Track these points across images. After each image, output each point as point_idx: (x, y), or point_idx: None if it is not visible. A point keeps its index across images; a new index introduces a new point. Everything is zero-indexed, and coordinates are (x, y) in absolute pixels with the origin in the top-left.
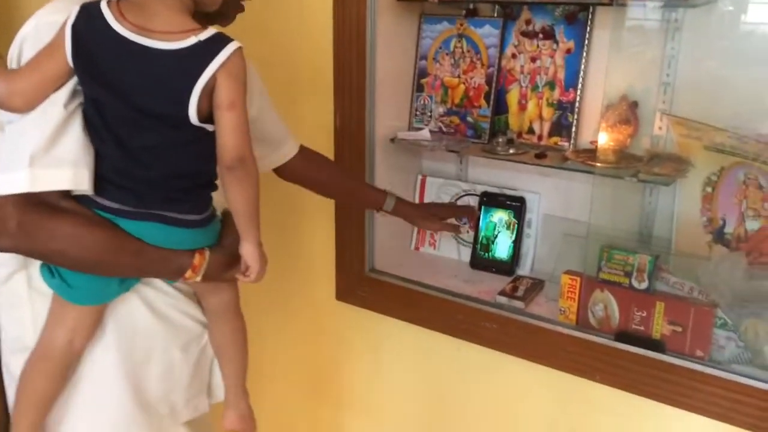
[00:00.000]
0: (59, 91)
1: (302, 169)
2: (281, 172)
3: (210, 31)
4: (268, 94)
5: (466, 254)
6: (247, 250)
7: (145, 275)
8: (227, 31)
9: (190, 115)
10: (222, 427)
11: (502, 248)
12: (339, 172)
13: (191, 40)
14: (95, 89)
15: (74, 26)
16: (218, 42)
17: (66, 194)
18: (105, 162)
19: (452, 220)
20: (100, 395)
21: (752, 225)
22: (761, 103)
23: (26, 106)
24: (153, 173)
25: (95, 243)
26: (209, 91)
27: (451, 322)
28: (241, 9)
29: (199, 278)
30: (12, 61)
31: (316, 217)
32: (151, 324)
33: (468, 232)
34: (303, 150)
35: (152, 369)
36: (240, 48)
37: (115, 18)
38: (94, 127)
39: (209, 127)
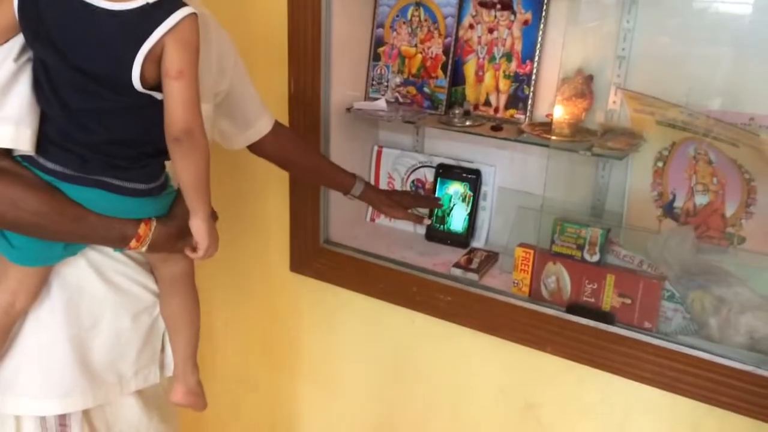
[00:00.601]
0: (10, 44)
1: (273, 146)
2: (252, 147)
3: None
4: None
5: (421, 227)
6: (196, 226)
7: (87, 242)
8: None
9: (134, 80)
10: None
11: (457, 221)
12: (310, 152)
13: (139, 2)
14: (39, 47)
15: None
16: (169, 6)
17: (7, 153)
18: (50, 123)
19: (417, 210)
20: (44, 355)
21: (701, 199)
22: (713, 79)
23: None
24: (96, 138)
25: (33, 206)
26: (156, 57)
27: (406, 294)
28: None
29: (144, 248)
30: None
31: (270, 186)
32: (99, 290)
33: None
34: (276, 126)
35: (99, 335)
36: (193, 14)
37: None
38: (40, 86)
39: (157, 95)
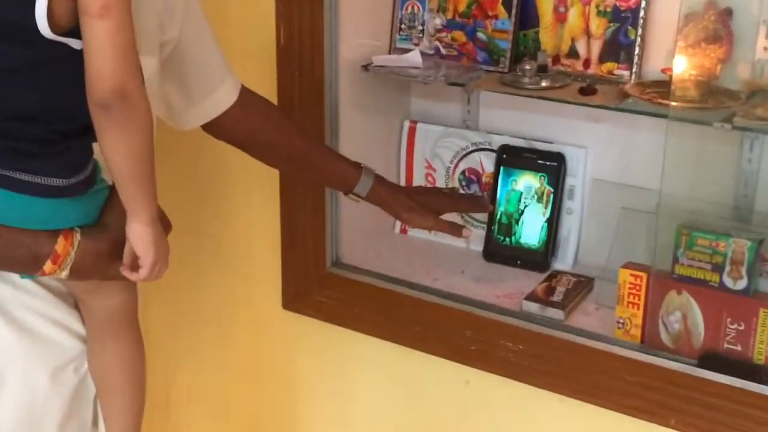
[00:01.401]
0: None
1: (240, 126)
2: (211, 126)
3: None
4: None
5: (478, 240)
6: (136, 232)
7: None
8: None
9: (39, 24)
10: None
11: (530, 231)
12: (293, 132)
13: None
14: None
15: None
16: None
17: None
18: None
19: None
20: None
21: None
22: None
23: None
24: None
25: None
26: None
27: (455, 340)
28: None
29: (64, 273)
30: None
31: (253, 186)
32: (5, 335)
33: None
34: (244, 96)
35: (6, 399)
36: None
37: None
38: None
39: (73, 44)
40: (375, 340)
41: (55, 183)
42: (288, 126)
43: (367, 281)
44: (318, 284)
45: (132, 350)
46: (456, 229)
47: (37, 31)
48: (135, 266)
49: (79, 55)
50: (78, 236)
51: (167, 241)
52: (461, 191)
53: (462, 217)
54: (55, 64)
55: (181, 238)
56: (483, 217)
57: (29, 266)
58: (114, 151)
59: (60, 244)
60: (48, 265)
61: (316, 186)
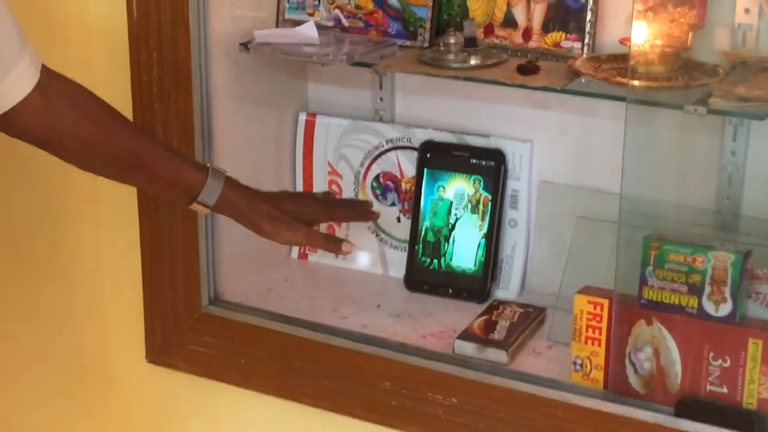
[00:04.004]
0: None
1: (42, 116)
2: (5, 121)
3: None
4: None
5: (398, 264)
6: None
7: None
8: None
9: None
10: None
11: (464, 250)
12: (115, 124)
13: None
14: None
15: None
16: None
17: None
18: None
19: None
20: None
21: None
22: None
23: None
24: None
25: None
26: None
27: (370, 396)
28: None
29: None
30: None
31: (102, 206)
32: None
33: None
34: (45, 78)
35: None
36: None
37: None
38: None
39: None
40: (268, 398)
41: None
42: (108, 117)
43: (255, 322)
44: (191, 329)
45: None
46: (334, 244)
47: None
48: None
49: None
50: None
51: None
52: (369, 200)
53: (377, 235)
54: None
55: (20, 275)
56: (404, 233)
57: None
58: None
59: None
60: None
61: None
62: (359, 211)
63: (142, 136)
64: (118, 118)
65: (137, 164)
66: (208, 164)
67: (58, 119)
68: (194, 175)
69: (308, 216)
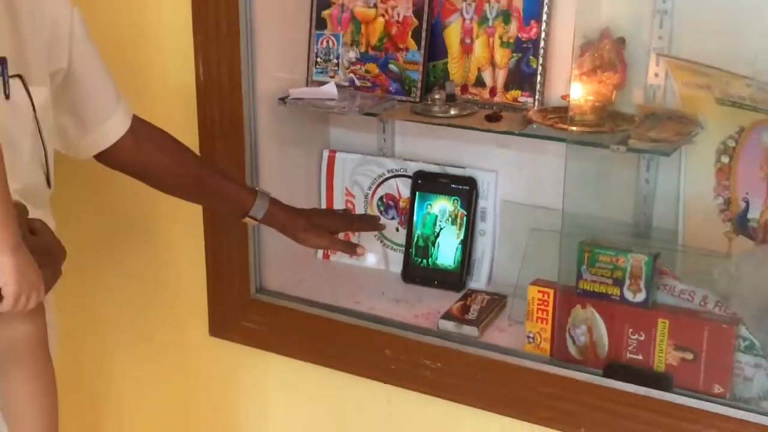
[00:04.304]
0: None
1: (132, 154)
2: (105, 156)
3: None
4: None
5: (397, 263)
6: None
7: None
8: None
9: None
10: None
11: (446, 252)
12: (187, 159)
13: None
14: None
15: None
16: None
17: None
18: None
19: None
20: None
21: None
22: None
23: None
24: None
25: None
26: None
27: (376, 361)
28: None
29: None
30: None
31: (178, 214)
32: None
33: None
34: (136, 124)
35: None
36: None
37: None
38: None
39: None
40: (300, 363)
41: None
42: (182, 153)
43: (291, 306)
44: (243, 311)
45: (39, 382)
46: (350, 248)
47: None
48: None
49: None
50: None
51: (37, 269)
52: (377, 215)
53: (381, 241)
54: None
55: (110, 267)
56: (401, 239)
57: None
58: None
59: None
60: None
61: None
62: (369, 223)
63: (206, 167)
64: (190, 155)
65: (202, 188)
66: (256, 188)
67: (145, 156)
68: (246, 196)
69: (331, 227)
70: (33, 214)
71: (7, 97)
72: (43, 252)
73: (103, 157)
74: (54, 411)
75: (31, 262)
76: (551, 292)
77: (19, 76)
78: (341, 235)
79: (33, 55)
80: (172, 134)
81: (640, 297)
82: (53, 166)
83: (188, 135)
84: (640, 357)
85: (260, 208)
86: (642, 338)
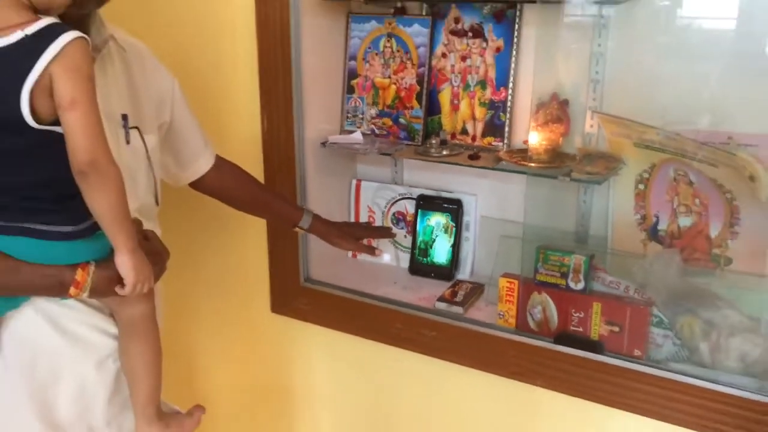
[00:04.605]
0: None
1: (216, 182)
2: (195, 184)
3: (42, 22)
4: (187, 98)
5: (405, 260)
6: (119, 261)
7: (26, 294)
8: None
9: (26, 118)
10: None
11: (440, 252)
12: (254, 186)
13: (17, 35)
14: None
15: None
16: (50, 34)
17: None
18: None
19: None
20: (4, 416)
21: (685, 221)
22: (688, 99)
23: None
24: (7, 184)
25: None
26: (47, 89)
27: (390, 331)
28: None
29: (85, 294)
30: None
31: (248, 225)
32: (55, 341)
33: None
34: (218, 161)
35: (61, 389)
36: (80, 38)
37: None
38: None
39: (58, 129)
40: (336, 333)
41: (67, 230)
42: (250, 182)
43: (330, 292)
44: (295, 294)
45: (150, 346)
46: (370, 250)
47: (26, 123)
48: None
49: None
50: (92, 267)
51: (149, 265)
52: (390, 226)
53: (394, 245)
54: (48, 145)
55: (198, 259)
56: (408, 243)
57: (59, 291)
58: (95, 205)
59: (79, 274)
60: (72, 290)
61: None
62: (384, 232)
63: (268, 192)
64: (256, 183)
65: (264, 207)
66: (303, 206)
67: (224, 184)
68: (296, 212)
69: (356, 235)
70: (146, 225)
71: (128, 142)
72: (153, 253)
73: (193, 185)
74: (159, 368)
75: (145, 260)
76: (516, 282)
77: (136, 128)
78: (365, 241)
79: (146, 112)
80: (245, 168)
81: (580, 286)
82: (161, 190)
83: (256, 169)
84: (580, 329)
85: (306, 221)
86: (582, 316)
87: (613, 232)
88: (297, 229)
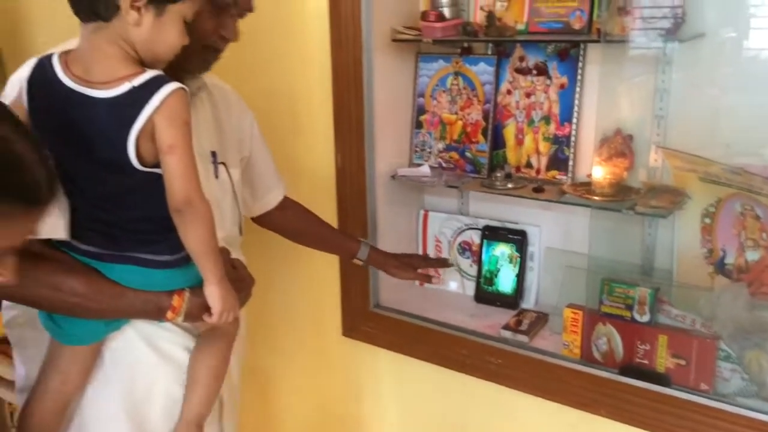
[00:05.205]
0: None
1: (278, 219)
2: (261, 219)
3: (147, 74)
4: (265, 136)
5: (470, 288)
6: (208, 291)
7: (127, 317)
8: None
9: (132, 161)
10: None
11: (505, 282)
12: (314, 222)
13: (125, 87)
14: (48, 141)
15: (30, 79)
16: (154, 86)
17: (47, 241)
18: (77, 208)
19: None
20: (102, 428)
21: (752, 255)
22: (752, 132)
23: None
24: (116, 218)
25: (74, 288)
26: (150, 135)
27: (455, 357)
28: (210, 56)
29: (180, 319)
30: None
31: (321, 254)
32: (151, 359)
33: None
34: (286, 200)
35: (154, 406)
36: (180, 89)
37: (62, 69)
38: (60, 177)
39: (159, 171)
40: (402, 357)
41: (165, 259)
42: (311, 220)
43: (398, 318)
44: (365, 319)
45: (220, 360)
46: (427, 278)
47: (132, 166)
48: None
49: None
50: (187, 294)
51: (234, 295)
52: (447, 257)
53: (460, 273)
54: (150, 185)
55: (274, 285)
56: (474, 272)
57: (157, 315)
58: (188, 239)
59: (176, 300)
60: (169, 314)
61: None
62: (441, 262)
63: (329, 228)
64: (318, 220)
65: (324, 243)
66: (360, 239)
67: (286, 221)
68: (354, 245)
69: (414, 265)
70: (232, 254)
71: (216, 177)
72: (239, 281)
73: (259, 219)
74: (218, 385)
75: (231, 291)
76: (581, 312)
77: (223, 163)
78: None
79: (230, 148)
80: (319, 201)
81: (646, 318)
82: (243, 221)
83: (329, 201)
84: (646, 361)
85: (363, 252)
86: (647, 348)
87: (678, 265)
88: (355, 260)
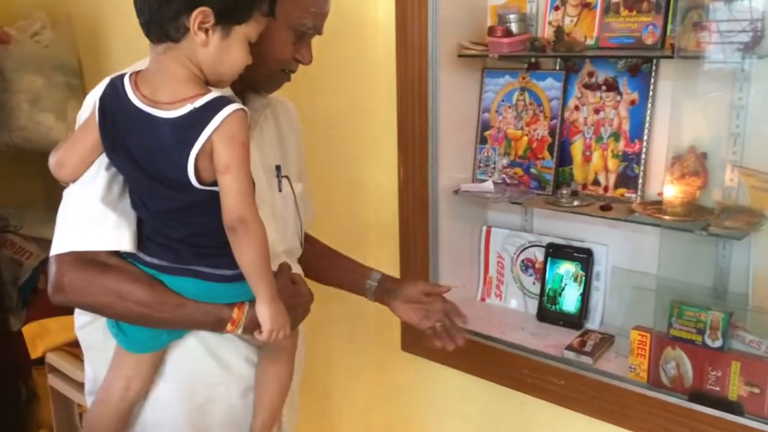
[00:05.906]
0: (102, 156)
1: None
2: None
3: (209, 96)
4: (329, 148)
5: (532, 306)
6: (258, 309)
7: (188, 327)
8: (288, 88)
9: (191, 180)
10: None
11: (569, 301)
12: (332, 256)
13: (186, 108)
14: (116, 158)
15: (102, 99)
16: (214, 107)
17: (114, 252)
18: (144, 222)
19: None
20: None
21: None
22: None
23: (71, 176)
24: (180, 233)
25: (138, 297)
26: (208, 154)
27: (516, 376)
28: (284, 78)
29: (239, 330)
30: (78, 125)
31: (381, 267)
32: (212, 368)
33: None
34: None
35: (214, 415)
36: (239, 110)
37: (132, 89)
38: (128, 192)
39: (217, 189)
40: (462, 374)
41: (226, 273)
42: (327, 252)
43: None
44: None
45: (285, 372)
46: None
47: (192, 184)
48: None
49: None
50: (246, 307)
51: (285, 315)
52: (519, 276)
53: (522, 291)
54: (209, 202)
55: (335, 299)
56: (537, 290)
57: (217, 327)
58: (241, 257)
59: (236, 313)
60: (229, 326)
61: (423, 265)
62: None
63: (336, 254)
64: (336, 254)
65: (330, 271)
66: (371, 267)
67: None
68: (366, 272)
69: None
70: (292, 268)
71: (280, 190)
72: (298, 295)
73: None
74: (284, 395)
75: (282, 310)
76: (648, 335)
77: (287, 177)
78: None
79: (292, 161)
80: (381, 214)
81: (718, 343)
82: (303, 235)
83: (391, 215)
84: (717, 388)
85: (374, 280)
86: (719, 374)
87: (754, 289)
88: (366, 294)
